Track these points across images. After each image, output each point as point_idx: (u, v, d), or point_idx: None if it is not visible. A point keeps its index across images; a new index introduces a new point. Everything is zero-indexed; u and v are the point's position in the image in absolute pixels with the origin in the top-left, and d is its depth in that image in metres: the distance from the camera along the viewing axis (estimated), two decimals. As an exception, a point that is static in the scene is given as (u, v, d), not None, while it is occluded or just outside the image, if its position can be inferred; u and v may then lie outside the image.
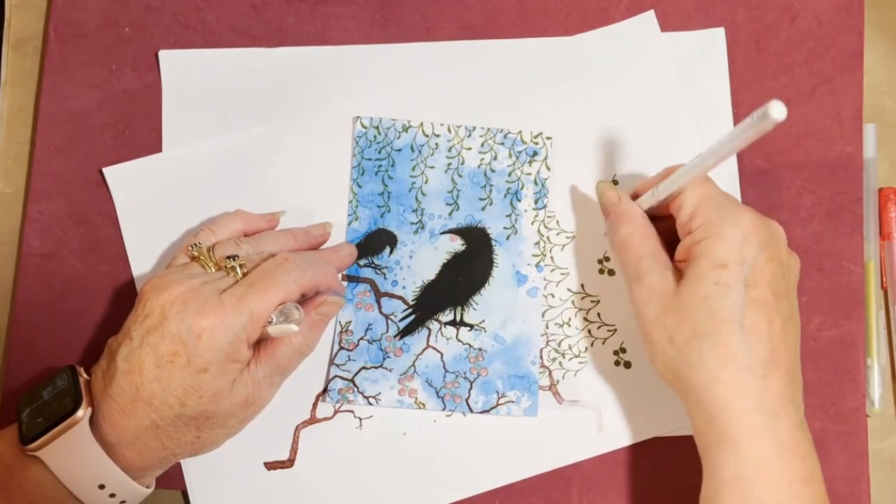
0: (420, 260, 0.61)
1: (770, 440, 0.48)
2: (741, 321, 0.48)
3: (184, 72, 0.63)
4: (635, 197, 0.57)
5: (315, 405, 0.60)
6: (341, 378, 0.60)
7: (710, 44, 0.63)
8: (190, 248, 0.56)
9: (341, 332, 0.60)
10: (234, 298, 0.52)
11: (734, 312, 0.48)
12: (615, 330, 0.60)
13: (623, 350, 0.60)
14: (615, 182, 0.61)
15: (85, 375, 0.54)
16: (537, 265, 0.60)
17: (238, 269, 0.54)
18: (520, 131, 0.62)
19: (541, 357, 0.60)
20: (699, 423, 0.51)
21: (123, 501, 0.53)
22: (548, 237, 0.61)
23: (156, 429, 0.52)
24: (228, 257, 0.55)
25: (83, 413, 0.51)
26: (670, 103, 0.62)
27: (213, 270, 0.55)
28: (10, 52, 0.65)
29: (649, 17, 0.63)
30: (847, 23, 0.63)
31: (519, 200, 0.61)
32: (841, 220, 0.61)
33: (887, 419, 0.61)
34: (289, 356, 0.55)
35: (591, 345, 0.60)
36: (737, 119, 0.62)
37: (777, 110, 0.43)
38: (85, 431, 0.51)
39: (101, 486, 0.52)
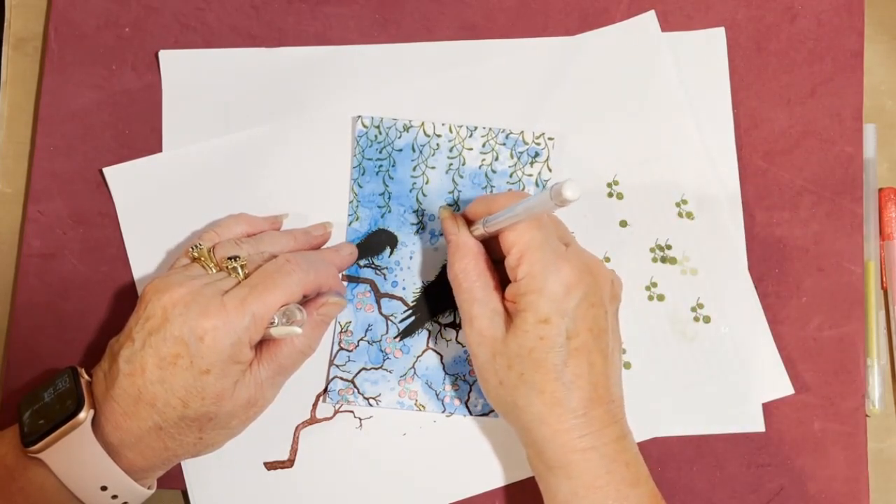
0: (420, 261, 0.61)
1: (594, 458, 0.52)
2: (563, 371, 0.51)
3: (184, 72, 0.63)
4: (470, 220, 0.57)
5: (315, 405, 0.60)
6: (341, 379, 0.60)
7: (710, 44, 0.63)
8: (191, 249, 0.56)
9: (341, 332, 0.60)
10: (236, 300, 0.52)
11: (557, 364, 0.51)
12: (615, 330, 0.60)
13: (623, 351, 0.60)
14: (454, 206, 0.62)
15: (86, 377, 0.54)
16: (537, 266, 0.60)
17: (240, 270, 0.54)
18: (521, 132, 0.62)
19: (541, 357, 0.60)
20: (531, 454, 0.54)
21: (126, 502, 0.53)
22: (548, 238, 0.61)
23: (158, 430, 0.52)
24: (230, 258, 0.55)
25: (85, 415, 0.51)
26: (670, 103, 0.62)
27: (215, 271, 0.55)
28: (10, 52, 0.65)
29: (650, 17, 0.63)
30: (847, 22, 0.63)
31: (520, 202, 0.61)
32: (841, 220, 0.61)
33: (887, 419, 0.61)
34: (291, 357, 0.55)
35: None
36: (737, 119, 0.62)
37: (571, 192, 0.46)
38: (87, 433, 0.51)
39: (104, 488, 0.52)
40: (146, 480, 0.55)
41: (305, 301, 0.56)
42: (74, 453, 0.52)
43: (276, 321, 0.53)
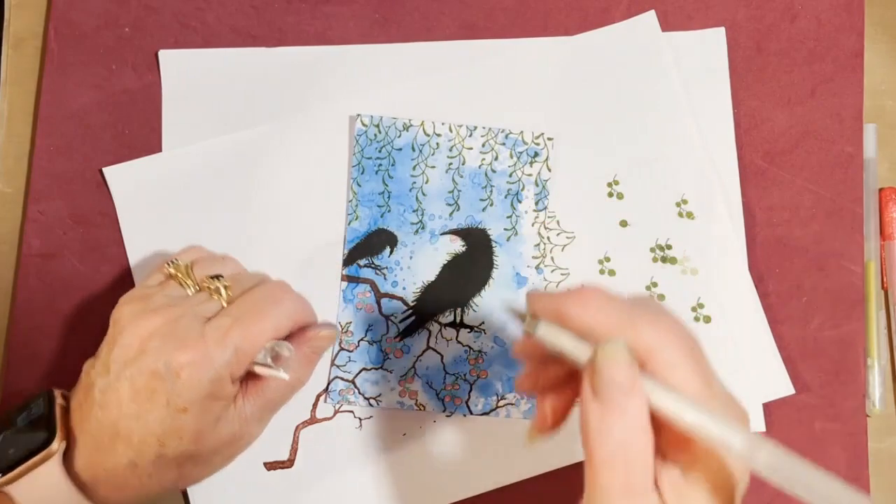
0: (420, 261, 0.61)
1: None
2: None
3: (184, 72, 0.63)
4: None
5: (315, 405, 0.60)
6: (342, 379, 0.60)
7: (710, 44, 0.63)
8: (167, 264, 0.53)
9: (341, 332, 0.60)
10: (218, 332, 0.48)
11: None
12: (615, 330, 0.60)
13: (623, 350, 0.60)
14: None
15: (61, 401, 0.50)
16: (537, 267, 0.60)
17: (223, 291, 0.50)
18: (521, 132, 0.62)
19: (541, 357, 0.60)
20: None
21: None
22: (548, 238, 0.61)
23: (134, 468, 0.49)
24: (212, 277, 0.51)
25: (57, 446, 0.48)
26: (670, 103, 0.62)
27: (193, 291, 0.51)
28: (10, 52, 0.65)
29: (650, 17, 0.63)
30: (847, 23, 0.63)
31: (520, 202, 0.61)
32: (841, 220, 0.61)
33: (887, 419, 0.61)
34: (279, 391, 0.52)
35: (592, 345, 0.60)
36: (737, 119, 0.62)
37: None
38: (57, 467, 0.48)
39: None
40: None
41: (292, 333, 0.53)
42: (42, 487, 0.48)
43: (262, 356, 0.50)
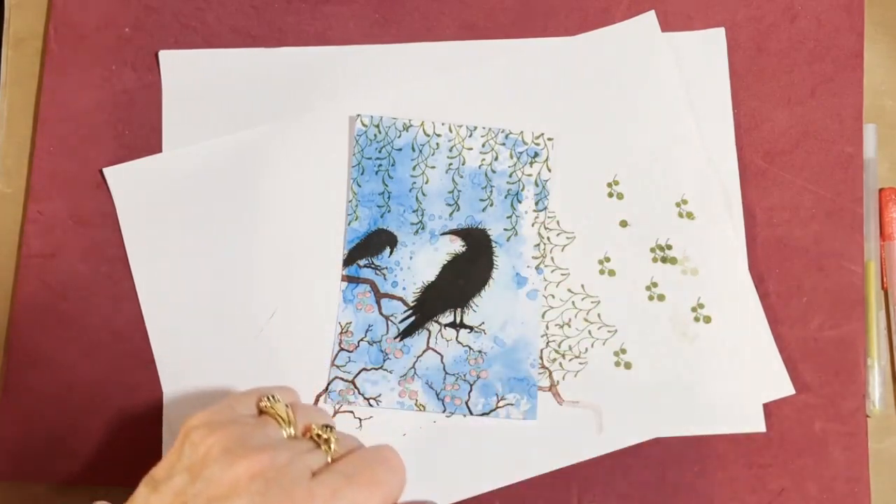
0: (420, 261, 0.61)
1: None
2: None
3: (184, 72, 0.63)
4: None
5: (315, 405, 0.60)
6: (342, 379, 0.60)
7: (710, 44, 0.63)
8: (267, 399, 0.47)
9: (341, 333, 0.60)
10: (328, 489, 0.42)
11: None
12: (615, 331, 0.60)
13: (623, 351, 0.60)
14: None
15: None
16: (537, 268, 0.60)
17: (332, 445, 0.45)
18: (521, 132, 0.62)
19: (541, 358, 0.60)
20: None
21: None
22: (548, 238, 0.61)
23: None
24: (325, 426, 0.45)
25: None
26: (670, 103, 0.62)
27: (294, 435, 0.45)
28: (10, 52, 0.65)
29: (650, 17, 0.63)
30: (847, 23, 0.63)
31: (520, 202, 0.61)
32: (841, 220, 0.61)
33: (887, 419, 0.61)
34: None
35: (592, 345, 0.60)
36: (737, 119, 0.62)
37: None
38: None
39: None
40: None
41: None
42: None
43: None
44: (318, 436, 0.45)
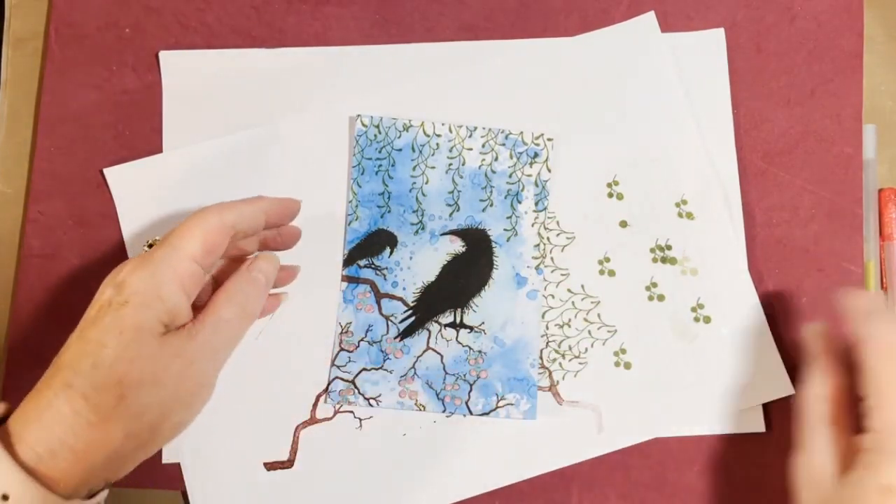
0: (420, 261, 0.61)
1: None
2: None
3: (184, 72, 0.63)
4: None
5: (315, 405, 0.60)
6: (342, 379, 0.60)
7: (710, 44, 0.63)
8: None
9: (341, 333, 0.60)
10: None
11: None
12: (615, 331, 0.60)
13: (623, 351, 0.60)
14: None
15: None
16: (537, 268, 0.60)
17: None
18: (521, 132, 0.62)
19: (541, 358, 0.60)
20: None
21: None
22: (548, 238, 0.61)
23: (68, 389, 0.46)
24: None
25: None
26: (670, 104, 0.62)
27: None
28: (10, 52, 0.65)
29: (649, 17, 0.63)
30: (847, 23, 0.63)
31: (519, 202, 0.61)
32: (841, 221, 0.61)
33: (887, 419, 0.61)
34: (233, 324, 0.51)
35: (592, 345, 0.60)
36: (737, 119, 0.62)
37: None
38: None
39: None
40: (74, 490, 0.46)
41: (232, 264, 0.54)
42: None
43: None
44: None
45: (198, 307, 0.50)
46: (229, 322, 0.50)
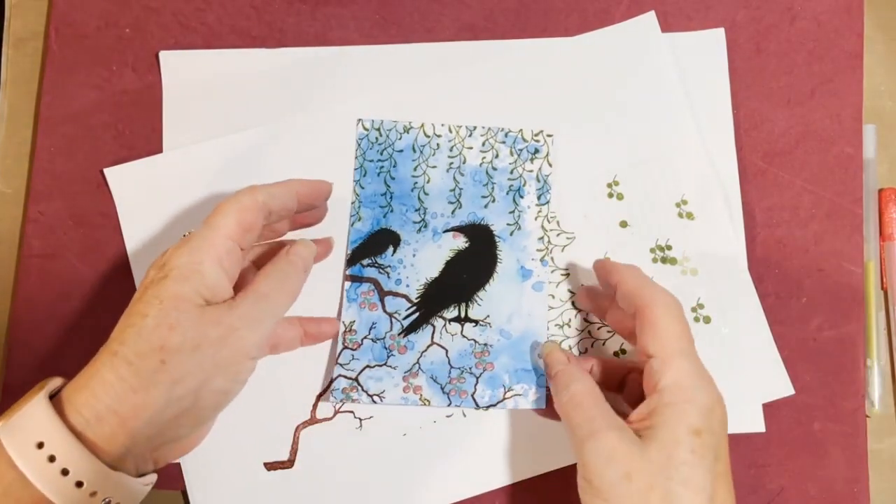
0: (423, 258, 0.61)
1: None
2: (713, 496, 0.47)
3: (184, 72, 0.63)
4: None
5: (315, 405, 0.60)
6: (345, 377, 0.59)
7: (710, 44, 0.63)
8: None
9: (345, 331, 0.60)
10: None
11: (706, 487, 0.47)
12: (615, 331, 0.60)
13: (623, 351, 0.60)
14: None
15: None
16: (542, 259, 0.60)
17: None
18: (520, 129, 0.62)
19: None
20: None
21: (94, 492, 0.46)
22: (550, 236, 0.61)
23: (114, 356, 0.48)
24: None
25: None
26: (670, 103, 0.62)
27: None
28: (10, 52, 0.65)
29: (649, 17, 0.63)
30: (847, 24, 0.63)
31: (521, 197, 0.61)
32: (841, 221, 0.61)
33: (887, 419, 0.61)
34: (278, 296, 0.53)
35: (592, 345, 0.60)
36: (737, 119, 0.62)
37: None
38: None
39: (40, 445, 0.45)
40: (122, 461, 0.48)
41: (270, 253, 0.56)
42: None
43: None
44: None
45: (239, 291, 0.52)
46: (268, 296, 0.52)
